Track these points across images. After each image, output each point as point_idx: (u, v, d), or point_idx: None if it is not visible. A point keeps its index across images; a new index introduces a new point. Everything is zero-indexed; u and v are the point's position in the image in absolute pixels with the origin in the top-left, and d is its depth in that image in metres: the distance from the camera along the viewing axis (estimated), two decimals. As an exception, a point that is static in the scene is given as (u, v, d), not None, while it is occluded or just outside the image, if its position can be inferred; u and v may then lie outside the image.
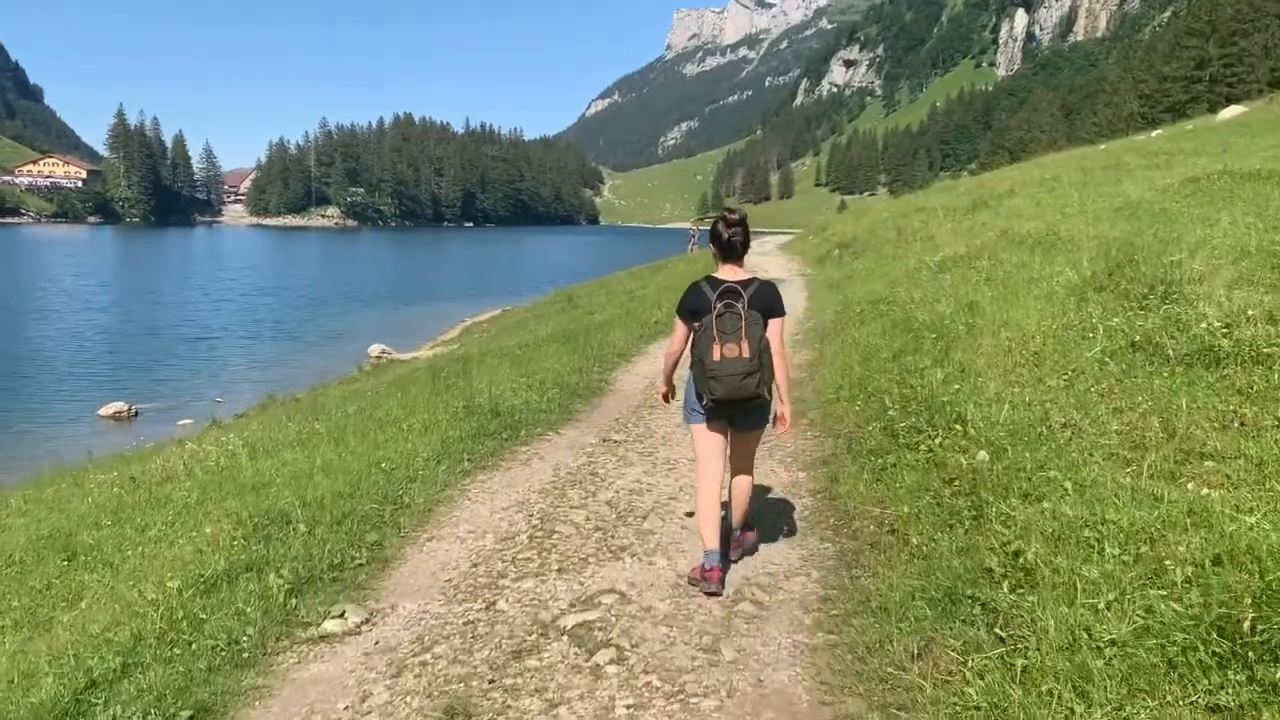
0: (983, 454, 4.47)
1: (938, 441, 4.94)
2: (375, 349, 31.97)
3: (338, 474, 6.42)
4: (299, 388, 26.07)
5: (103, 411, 24.09)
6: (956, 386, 5.50)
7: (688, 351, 4.60)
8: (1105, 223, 12.98)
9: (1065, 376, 5.23)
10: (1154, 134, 38.21)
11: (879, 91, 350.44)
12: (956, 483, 4.34)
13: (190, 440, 12.07)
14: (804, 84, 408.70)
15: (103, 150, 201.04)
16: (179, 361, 30.89)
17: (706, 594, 4.37)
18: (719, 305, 4.28)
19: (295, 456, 7.93)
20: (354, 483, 5.95)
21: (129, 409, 24.27)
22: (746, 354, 4.23)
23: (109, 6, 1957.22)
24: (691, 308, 4.48)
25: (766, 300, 4.40)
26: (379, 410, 9.55)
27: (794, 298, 18.86)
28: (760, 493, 5.54)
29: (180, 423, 22.62)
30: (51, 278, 59.27)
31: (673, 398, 5.15)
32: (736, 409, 4.48)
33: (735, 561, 4.71)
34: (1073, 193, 22.36)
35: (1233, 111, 35.81)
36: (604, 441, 7.11)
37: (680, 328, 4.62)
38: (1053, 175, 28.62)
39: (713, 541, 4.45)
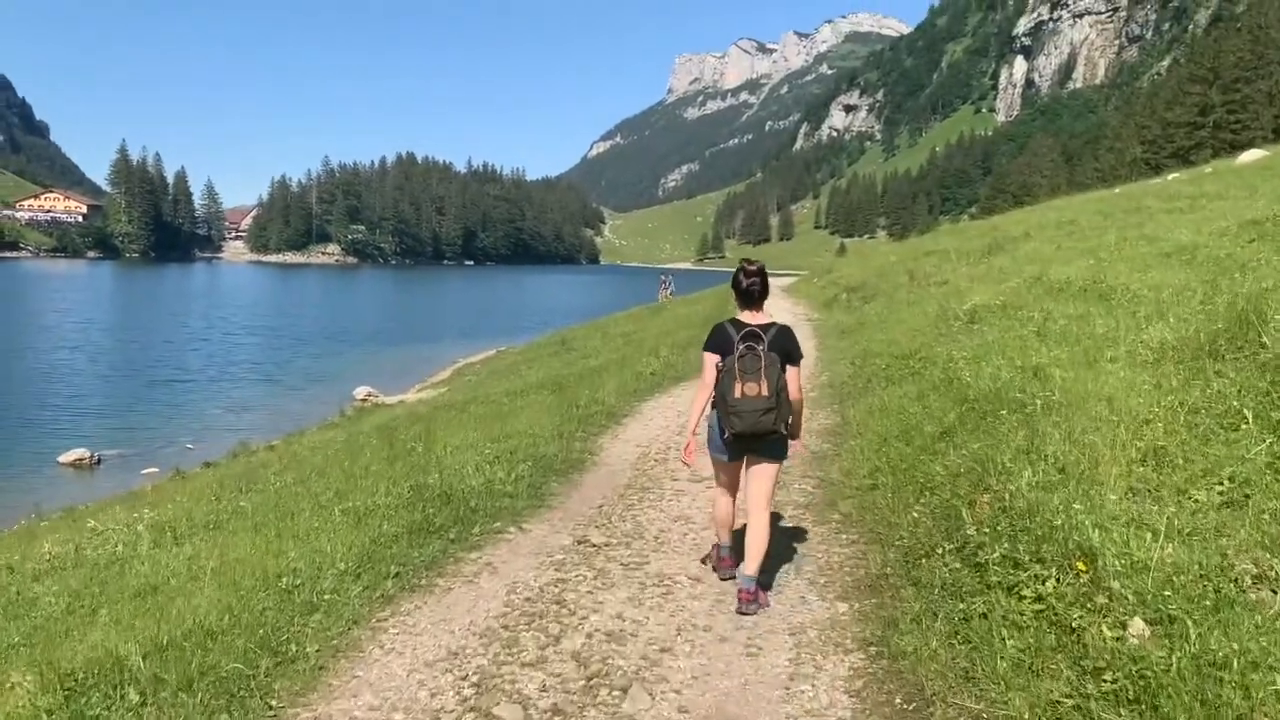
0: (1139, 624, 2.93)
1: (1051, 587, 3.40)
2: (361, 392, 30.59)
3: (230, 587, 4.88)
4: (276, 433, 24.71)
5: (63, 459, 22.53)
6: (1062, 495, 3.96)
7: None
8: (1158, 270, 11.54)
9: (1220, 488, 3.71)
10: (1170, 177, 36.94)
11: (879, 136, 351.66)
12: (1109, 677, 2.78)
13: (94, 516, 10.42)
14: (804, 128, 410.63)
15: (106, 186, 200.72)
16: (152, 404, 29.30)
17: (723, 578, 4.93)
18: (741, 347, 4.63)
19: (202, 548, 6.41)
20: (237, 608, 4.40)
21: (91, 456, 22.76)
22: (765, 393, 4.55)
23: (116, 45, 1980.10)
24: (717, 346, 4.78)
25: (785, 345, 4.80)
26: (319, 482, 8.02)
27: (803, 346, 17.28)
28: (789, 625, 4.19)
29: (145, 471, 21.25)
30: (34, 313, 57.78)
31: (693, 459, 5.11)
32: (755, 443, 4.73)
33: (749, 614, 4.56)
34: (1102, 236, 21.00)
35: (1253, 155, 34.62)
36: (579, 544, 5.53)
37: (708, 363, 4.81)
38: (1069, 219, 27.37)
39: (725, 537, 5.03)
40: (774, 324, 4.81)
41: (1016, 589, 3.51)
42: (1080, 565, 3.37)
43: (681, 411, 9.81)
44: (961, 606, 3.66)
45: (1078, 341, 7.85)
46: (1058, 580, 3.42)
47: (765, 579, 4.84)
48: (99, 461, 22.79)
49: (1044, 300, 11.74)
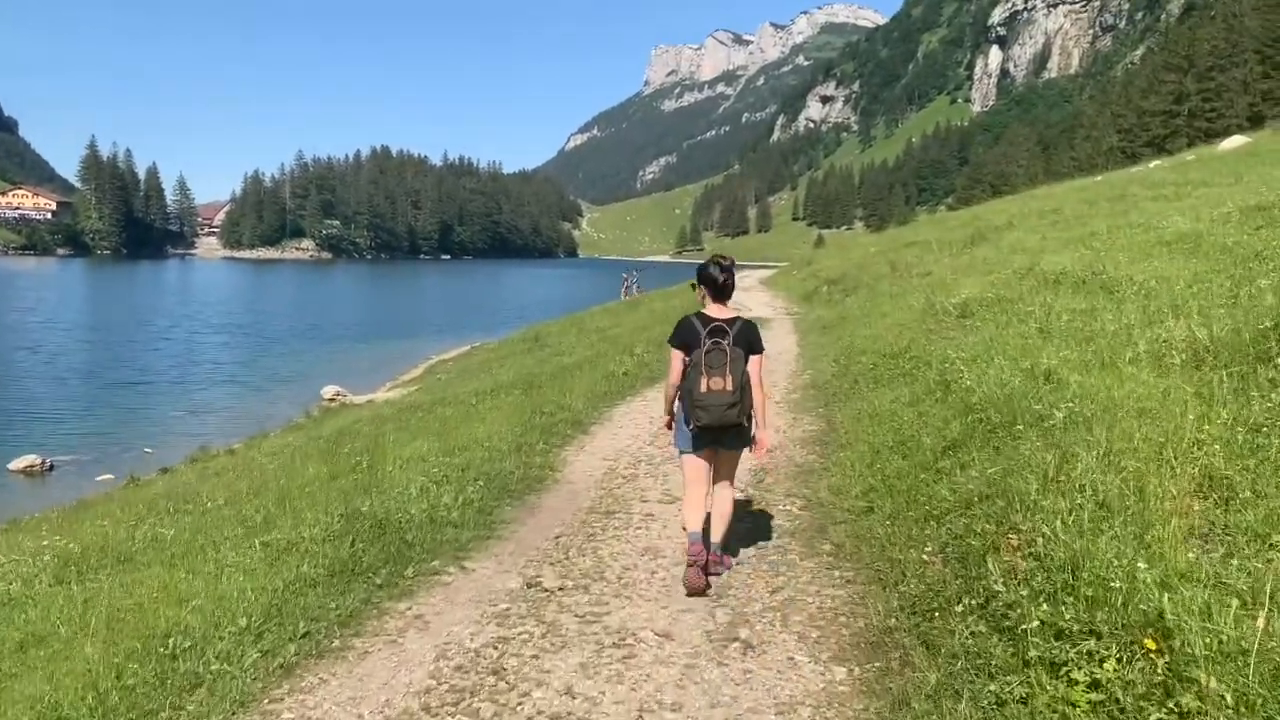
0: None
1: (1112, 670, 2.62)
2: (329, 391, 29.70)
3: (112, 645, 4.07)
4: (239, 436, 23.86)
5: (13, 465, 21.51)
6: (1110, 540, 3.19)
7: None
8: (1160, 259, 10.87)
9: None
10: (1153, 165, 36.58)
11: (855, 127, 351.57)
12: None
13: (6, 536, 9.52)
14: (781, 120, 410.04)
15: (77, 183, 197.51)
16: (111, 408, 28.19)
17: (690, 564, 4.81)
18: (708, 342, 4.73)
19: (105, 587, 5.59)
20: (106, 683, 3.59)
21: (42, 463, 21.71)
22: (730, 387, 4.67)
23: (86, 39, 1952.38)
24: (684, 340, 4.87)
25: (748, 338, 4.87)
26: (251, 504, 7.20)
27: (783, 341, 16.63)
28: (776, 700, 3.42)
29: (99, 478, 20.33)
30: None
31: (673, 425, 5.19)
32: (721, 434, 4.87)
33: (713, 576, 4.86)
34: (1088, 224, 20.45)
35: (1236, 141, 34.27)
36: (529, 587, 4.69)
37: (675, 357, 4.92)
38: (1052, 207, 26.88)
39: (695, 525, 4.91)
40: (739, 318, 4.93)
41: (1064, 669, 2.73)
42: (1149, 643, 2.60)
43: (654, 418, 9.04)
44: (993, 687, 2.88)
45: (1087, 340, 7.13)
46: (1120, 661, 2.65)
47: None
48: (51, 468, 21.81)
49: (1039, 293, 11.05)
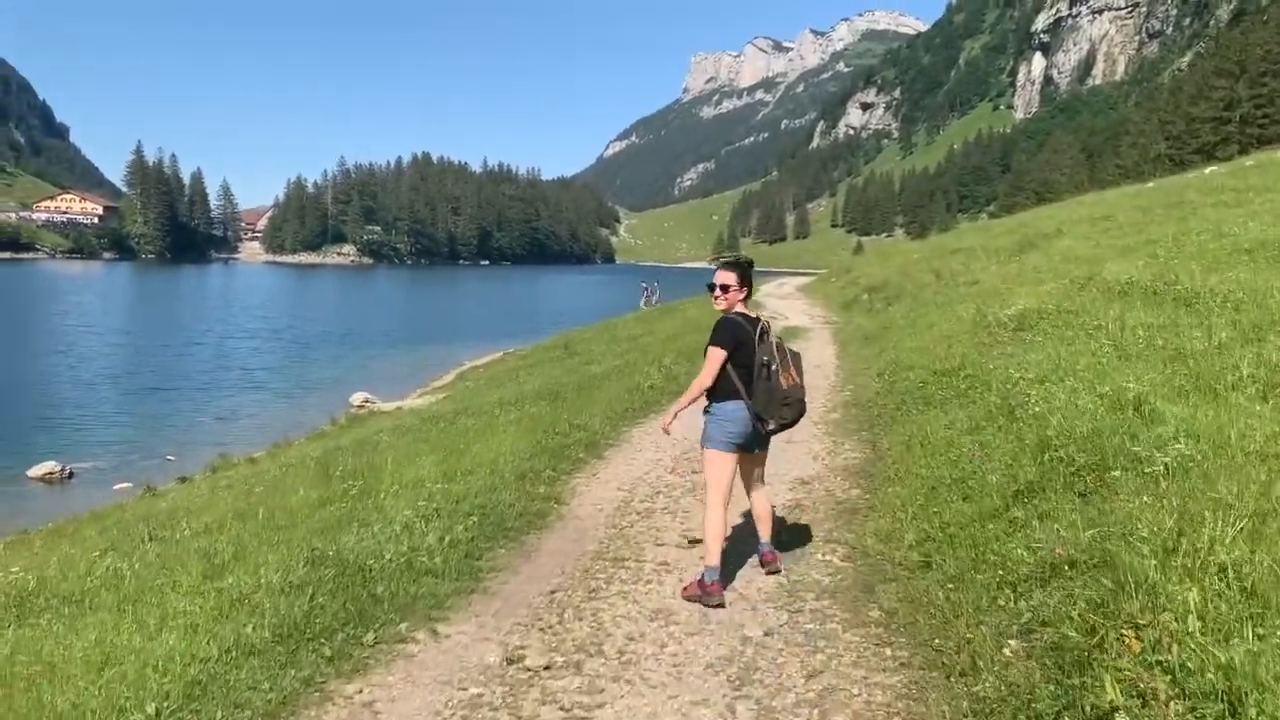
0: None
1: None
2: (358, 398, 29.24)
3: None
4: (264, 443, 23.39)
5: (32, 473, 21.16)
6: (1271, 652, 2.30)
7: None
8: (1242, 268, 9.86)
9: None
10: (1209, 170, 35.14)
11: (896, 134, 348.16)
12: None
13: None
14: (820, 126, 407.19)
15: (124, 188, 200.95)
16: (138, 413, 27.84)
17: (709, 606, 4.50)
18: (767, 341, 4.72)
19: (36, 636, 4.86)
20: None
21: (61, 470, 21.34)
22: (798, 380, 4.76)
23: (137, 48, 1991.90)
24: (738, 340, 4.74)
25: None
26: (226, 535, 6.46)
27: (821, 353, 15.69)
28: None
29: (117, 487, 19.90)
30: (34, 317, 56.58)
31: (671, 430, 5.17)
32: (775, 433, 4.82)
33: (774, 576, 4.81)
34: (1144, 231, 19.37)
35: (1299, 146, 32.76)
36: (509, 664, 3.79)
37: (719, 357, 4.75)
38: (1104, 214, 25.73)
39: (716, 559, 4.68)
40: (760, 317, 4.91)
41: None
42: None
43: (677, 440, 8.21)
44: None
45: (1173, 360, 6.19)
46: None
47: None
48: (71, 475, 21.44)
49: (1105, 304, 10.06)
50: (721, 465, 4.79)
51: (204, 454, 22.49)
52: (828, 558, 4.99)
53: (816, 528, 5.51)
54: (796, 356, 4.82)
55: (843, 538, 5.26)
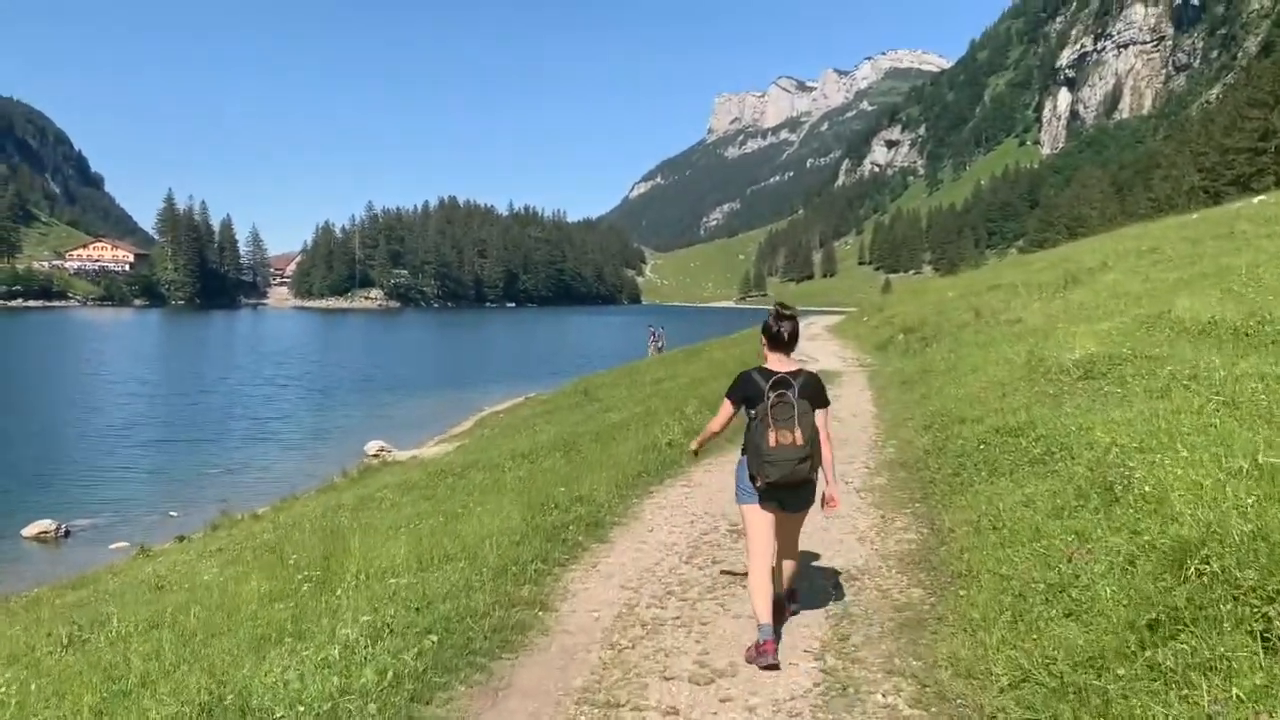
0: None
1: None
2: (372, 446, 28.39)
3: None
4: (273, 496, 22.47)
5: (26, 531, 20.28)
6: None
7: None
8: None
9: None
10: (1257, 200, 33.68)
11: (921, 171, 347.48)
12: None
13: None
14: (845, 164, 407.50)
15: (156, 235, 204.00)
16: (143, 466, 26.98)
17: (763, 668, 4.34)
18: (772, 395, 4.55)
19: None
20: None
21: (57, 528, 20.43)
22: (800, 440, 4.48)
23: (169, 99, 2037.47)
24: (744, 395, 4.71)
25: (814, 390, 4.68)
26: (139, 649, 5.30)
27: (856, 400, 14.44)
28: None
29: (113, 546, 18.99)
30: (49, 366, 56.25)
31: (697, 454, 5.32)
32: (787, 492, 4.64)
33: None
34: (1213, 261, 18.08)
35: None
36: None
37: (727, 409, 4.80)
38: (1150, 246, 24.46)
39: (766, 615, 4.54)
40: (802, 370, 4.76)
41: None
42: None
43: (696, 516, 6.99)
44: None
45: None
46: None
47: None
48: (66, 534, 20.54)
49: (1185, 347, 8.79)
50: (749, 518, 4.76)
51: (209, 508, 21.63)
52: (891, 699, 3.72)
53: (871, 649, 4.26)
54: (805, 415, 4.50)
55: (907, 666, 4.01)
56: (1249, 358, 7.17)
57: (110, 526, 20.99)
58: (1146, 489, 4.56)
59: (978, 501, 6.12)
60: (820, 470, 4.67)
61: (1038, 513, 5.20)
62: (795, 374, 4.64)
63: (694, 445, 5.30)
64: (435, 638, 4.37)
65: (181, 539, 18.17)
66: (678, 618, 4.88)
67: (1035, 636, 3.72)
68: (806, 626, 4.73)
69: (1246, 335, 8.36)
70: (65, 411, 36.10)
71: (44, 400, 39.00)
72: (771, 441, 4.45)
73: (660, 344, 41.94)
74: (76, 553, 19.06)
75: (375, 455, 27.39)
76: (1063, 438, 6.38)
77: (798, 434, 4.44)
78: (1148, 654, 3.12)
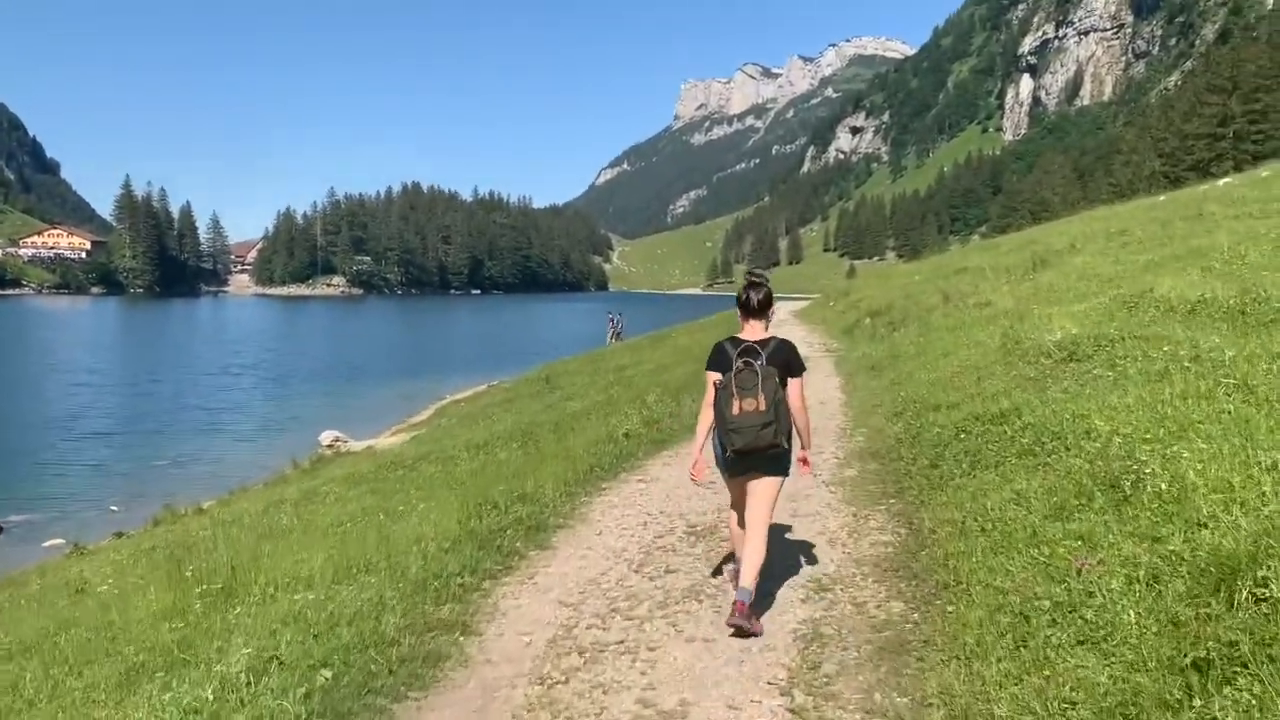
0: None
1: None
2: (327, 437, 27.39)
3: None
4: (220, 490, 21.60)
5: (-47, 529, 19.26)
6: None
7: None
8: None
9: None
10: (1223, 182, 33.53)
11: (886, 158, 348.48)
12: None
13: None
14: (811, 151, 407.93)
15: (114, 222, 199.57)
16: (86, 459, 25.91)
17: (731, 626, 4.39)
18: (739, 363, 4.60)
19: None
20: None
21: (-12, 524, 19.44)
22: (763, 407, 4.47)
23: (127, 86, 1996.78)
24: (716, 365, 4.76)
25: (785, 357, 4.68)
26: (6, 672, 4.54)
27: (824, 387, 13.82)
28: None
29: (47, 544, 18.05)
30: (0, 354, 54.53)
31: (700, 478, 4.91)
32: (755, 459, 4.62)
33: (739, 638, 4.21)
34: (1166, 247, 17.73)
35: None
36: None
37: (710, 381, 4.76)
38: (1119, 229, 24.18)
39: (742, 553, 4.72)
40: (773, 338, 4.78)
41: None
42: None
43: (652, 515, 6.31)
44: None
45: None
46: None
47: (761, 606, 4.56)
48: (0, 530, 19.54)
49: (1174, 327, 8.23)
50: (729, 486, 4.98)
51: (153, 502, 20.64)
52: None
53: (847, 680, 3.58)
54: (769, 381, 4.47)
55: (891, 705, 3.33)
56: (1250, 337, 6.59)
57: (47, 523, 20.08)
58: (1162, 486, 3.93)
59: (960, 498, 5.48)
60: (791, 438, 4.62)
61: (1032, 512, 4.56)
62: (765, 342, 4.66)
63: (694, 458, 4.89)
64: (330, 673, 3.66)
65: (120, 535, 17.37)
66: (621, 642, 4.17)
67: (1046, 671, 3.07)
68: (771, 650, 4.04)
69: (1243, 314, 7.81)
70: (5, 402, 34.70)
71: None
72: (735, 409, 4.46)
73: (619, 329, 41.44)
74: (8, 551, 18.14)
75: (330, 446, 26.50)
76: (1054, 426, 5.76)
77: (761, 400, 4.43)
78: (1198, 704, 2.47)
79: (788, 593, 4.69)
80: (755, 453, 4.52)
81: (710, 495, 6.64)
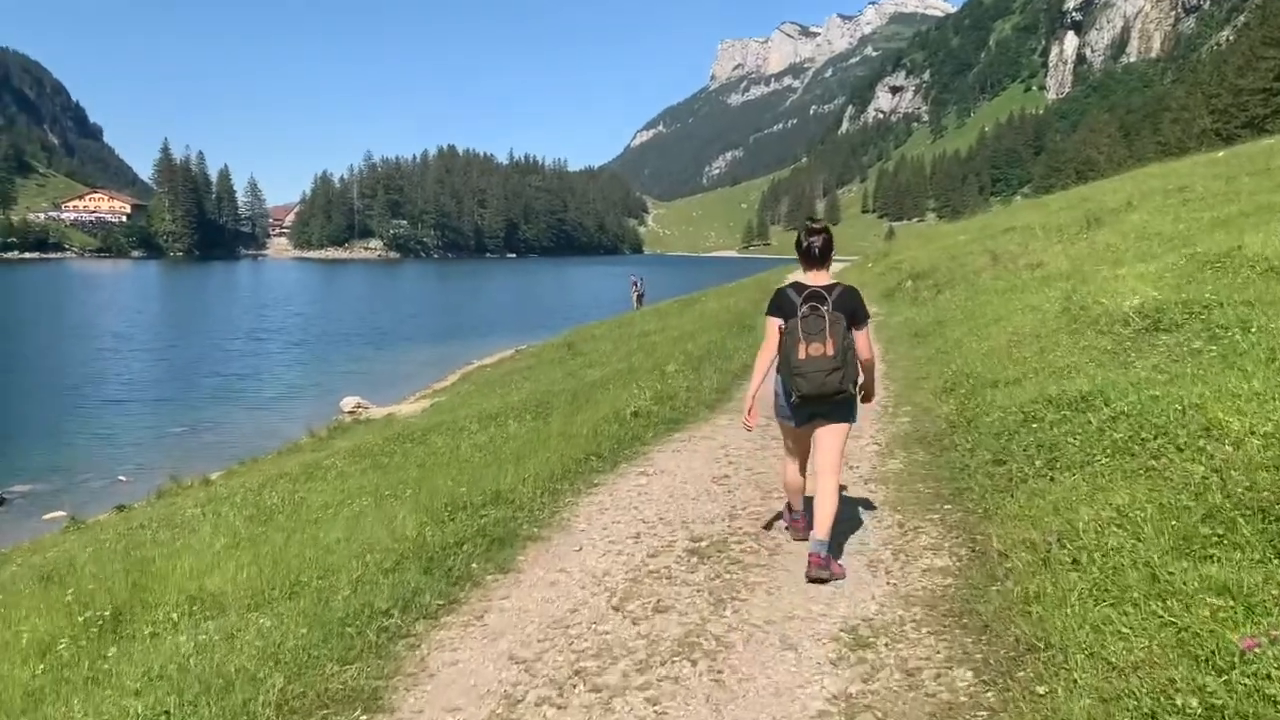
0: None
1: None
2: (349, 403, 26.70)
3: None
4: (232, 459, 20.89)
5: (-41, 497, 18.73)
6: None
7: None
8: None
9: None
10: (1290, 137, 31.58)
11: (926, 117, 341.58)
12: None
13: None
14: (849, 111, 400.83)
15: (155, 186, 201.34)
16: (99, 426, 25.23)
17: (797, 539, 4.87)
18: (804, 308, 4.54)
19: None
20: None
21: (-13, 495, 18.89)
22: (830, 352, 4.45)
23: (168, 51, 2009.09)
24: (780, 310, 4.69)
25: (850, 305, 4.63)
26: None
27: (864, 356, 12.58)
28: None
29: (48, 516, 17.42)
30: (23, 318, 54.32)
31: (754, 423, 4.87)
32: (822, 405, 4.61)
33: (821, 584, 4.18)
34: (1240, 202, 16.23)
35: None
36: None
37: (770, 327, 4.75)
38: (1178, 185, 22.61)
39: (799, 502, 5.03)
40: (838, 284, 4.69)
41: None
42: None
43: (649, 524, 5.16)
44: None
45: None
46: None
47: (837, 549, 4.56)
48: (1, 502, 18.95)
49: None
50: (785, 433, 4.95)
51: (163, 472, 19.93)
52: None
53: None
54: (837, 326, 4.42)
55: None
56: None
57: (52, 493, 19.46)
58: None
59: (1038, 509, 4.29)
60: (857, 384, 4.62)
61: (1145, 542, 3.38)
62: (830, 288, 4.61)
63: (748, 406, 4.81)
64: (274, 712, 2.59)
65: (121, 509, 16.58)
66: (586, 710, 3.04)
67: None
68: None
69: (1367, 277, 6.50)
70: (26, 367, 34.29)
71: (8, 355, 37.10)
72: (801, 353, 4.43)
73: (641, 291, 40.86)
74: (5, 524, 17.50)
75: (351, 412, 25.84)
76: (1155, 417, 4.54)
77: (829, 345, 4.39)
78: None
79: (813, 648, 3.50)
80: (822, 398, 4.49)
81: (722, 498, 5.54)
